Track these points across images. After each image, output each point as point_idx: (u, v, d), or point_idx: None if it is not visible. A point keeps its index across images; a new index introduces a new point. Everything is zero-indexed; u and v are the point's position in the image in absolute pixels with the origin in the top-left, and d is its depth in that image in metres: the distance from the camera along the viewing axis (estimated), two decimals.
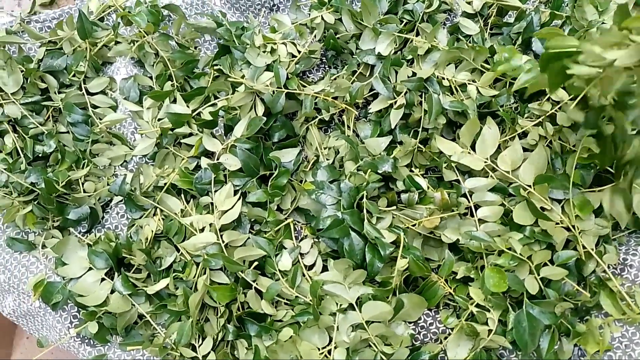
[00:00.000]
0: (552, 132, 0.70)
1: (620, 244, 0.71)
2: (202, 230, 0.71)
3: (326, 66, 0.85)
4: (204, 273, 0.69)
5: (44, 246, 0.77)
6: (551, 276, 0.66)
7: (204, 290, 0.67)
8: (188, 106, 0.79)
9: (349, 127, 0.80)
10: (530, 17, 0.78)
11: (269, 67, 0.76)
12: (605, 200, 0.68)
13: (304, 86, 0.79)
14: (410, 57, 0.76)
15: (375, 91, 0.80)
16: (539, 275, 0.66)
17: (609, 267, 0.68)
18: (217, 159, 0.75)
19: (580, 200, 0.66)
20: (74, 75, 0.83)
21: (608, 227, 0.68)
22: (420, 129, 0.75)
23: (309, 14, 0.84)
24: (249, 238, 0.72)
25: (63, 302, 0.73)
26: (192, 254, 0.71)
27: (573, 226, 0.66)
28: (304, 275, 0.71)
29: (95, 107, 0.82)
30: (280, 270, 0.71)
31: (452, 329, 0.70)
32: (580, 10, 0.78)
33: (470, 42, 0.78)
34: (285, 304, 0.71)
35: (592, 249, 0.66)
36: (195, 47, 0.86)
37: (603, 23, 0.77)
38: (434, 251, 0.74)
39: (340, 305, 0.66)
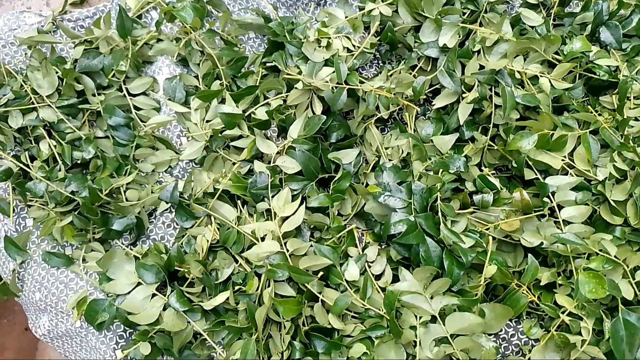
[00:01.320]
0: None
1: None
2: (263, 238, 0.65)
3: (380, 62, 0.80)
4: (268, 285, 0.63)
5: (84, 260, 0.71)
6: None
7: (269, 304, 0.61)
8: (237, 106, 0.74)
9: (410, 125, 0.75)
10: (599, 5, 0.73)
11: (327, 63, 0.71)
12: None
13: (362, 82, 0.74)
14: (476, 48, 0.72)
15: (434, 87, 0.75)
16: (634, 279, 0.61)
17: None
18: (273, 162, 0.70)
19: None
20: (113, 76, 0.77)
21: None
22: (490, 125, 0.70)
23: (358, 8, 0.79)
24: (311, 246, 0.67)
25: (109, 322, 0.67)
26: (252, 264, 0.65)
27: None
28: (373, 285, 0.66)
29: (137, 109, 0.76)
30: (347, 281, 0.65)
31: (535, 340, 0.64)
32: None
33: (544, 34, 0.74)
34: (353, 317, 0.66)
35: None
36: (241, 45, 0.81)
37: None
38: (507, 257, 0.69)
39: (421, 317, 0.61)
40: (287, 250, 0.64)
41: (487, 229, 0.67)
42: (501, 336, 0.66)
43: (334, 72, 0.69)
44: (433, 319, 0.61)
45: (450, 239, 0.63)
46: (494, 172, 0.73)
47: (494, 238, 0.68)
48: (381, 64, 0.80)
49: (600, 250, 0.61)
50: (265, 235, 0.65)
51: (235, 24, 0.80)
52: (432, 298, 0.61)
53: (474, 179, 0.70)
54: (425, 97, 0.77)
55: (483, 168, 0.72)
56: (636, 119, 0.66)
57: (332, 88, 0.70)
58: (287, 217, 0.66)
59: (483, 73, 0.69)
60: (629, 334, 0.59)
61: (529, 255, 0.65)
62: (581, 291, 0.59)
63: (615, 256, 0.60)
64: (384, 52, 0.79)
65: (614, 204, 0.63)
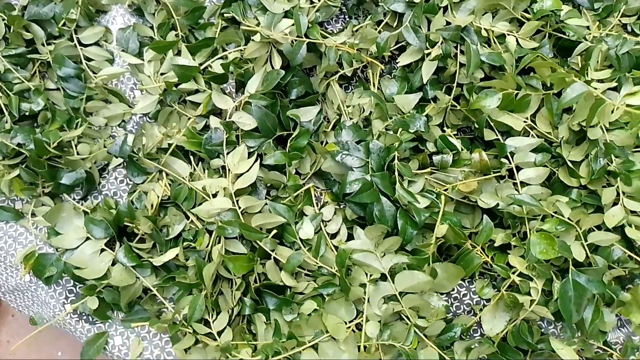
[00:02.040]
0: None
1: None
2: (215, 195, 0.63)
3: (346, 17, 0.77)
4: (219, 242, 0.62)
5: (33, 215, 0.69)
6: (600, 242, 0.61)
7: (219, 261, 0.60)
8: (194, 59, 0.71)
9: (373, 83, 0.72)
10: None
11: (287, 14, 0.68)
12: None
13: (325, 37, 0.71)
14: (444, 4, 0.69)
15: (400, 44, 0.72)
16: (586, 241, 0.61)
17: None
18: (229, 118, 0.68)
19: (627, 162, 0.61)
20: (64, 25, 0.73)
21: None
22: (454, 85, 0.68)
23: None
24: (266, 204, 0.65)
25: (57, 276, 0.65)
26: (204, 221, 0.63)
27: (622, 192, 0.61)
28: (327, 244, 0.65)
29: (89, 60, 0.73)
30: (301, 239, 0.64)
31: (487, 300, 0.64)
32: None
33: None
34: (307, 275, 0.65)
35: None
36: None
37: None
38: (466, 218, 0.68)
39: (371, 275, 0.60)
40: (239, 208, 0.63)
41: (445, 190, 0.66)
42: (453, 295, 0.66)
43: (293, 24, 0.66)
44: (383, 277, 0.60)
45: (405, 199, 0.62)
46: (456, 133, 0.71)
47: (452, 199, 0.67)
48: (347, 19, 0.77)
49: (555, 213, 0.61)
50: (218, 192, 0.64)
51: None
52: (383, 256, 0.61)
53: (435, 140, 0.68)
54: (391, 54, 0.74)
55: (445, 129, 0.70)
56: (600, 81, 0.65)
57: (292, 41, 0.66)
58: (241, 175, 0.64)
59: (448, 29, 0.66)
60: (577, 295, 0.59)
61: (484, 216, 0.64)
62: (532, 252, 0.59)
63: (568, 218, 0.60)
64: (350, 7, 0.76)
65: (571, 166, 0.62)
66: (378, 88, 0.73)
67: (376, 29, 0.71)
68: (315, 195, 0.71)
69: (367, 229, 0.62)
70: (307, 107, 0.71)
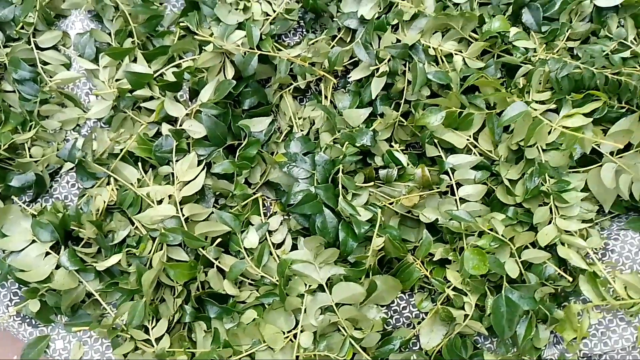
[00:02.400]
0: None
1: (602, 228, 0.68)
2: (160, 202, 0.64)
3: (304, 30, 0.78)
4: (161, 249, 0.63)
5: None
6: (533, 259, 0.62)
7: (159, 268, 0.61)
8: (150, 66, 0.72)
9: (326, 96, 0.74)
10: None
11: (240, 26, 0.69)
12: (592, 181, 0.65)
13: (280, 49, 0.72)
14: (395, 22, 0.71)
15: (356, 59, 0.74)
16: (520, 258, 0.62)
17: (592, 252, 0.65)
18: (180, 125, 0.69)
19: (560, 182, 0.62)
20: (22, 28, 0.74)
21: (593, 210, 0.65)
22: (402, 101, 0.70)
23: None
24: (212, 212, 0.66)
25: (2, 278, 0.66)
26: (148, 228, 0.64)
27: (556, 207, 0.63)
28: (271, 254, 0.66)
29: (45, 63, 0.73)
30: (245, 248, 0.65)
31: (426, 314, 0.66)
32: None
33: (461, 10, 0.73)
34: (250, 284, 0.66)
35: (575, 232, 0.63)
36: (161, 3, 0.78)
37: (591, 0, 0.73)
38: (411, 232, 0.69)
39: (310, 286, 0.61)
40: (183, 215, 0.64)
41: (391, 204, 0.68)
42: (393, 308, 0.67)
43: (246, 35, 0.67)
44: (321, 288, 0.61)
45: (347, 211, 0.63)
46: (405, 148, 0.73)
47: (397, 213, 0.68)
48: (305, 33, 0.78)
49: (491, 230, 0.62)
50: (163, 199, 0.65)
51: None
52: (322, 267, 0.62)
53: (383, 154, 0.70)
54: (346, 69, 0.76)
55: (394, 144, 0.71)
56: (541, 102, 0.67)
57: (244, 53, 0.68)
58: (188, 182, 0.65)
59: (396, 47, 0.68)
60: (509, 310, 0.61)
61: (425, 230, 0.66)
62: (465, 267, 0.60)
63: (502, 235, 0.61)
64: (308, 21, 0.77)
65: (507, 184, 0.64)
66: (331, 101, 0.75)
67: (330, 44, 0.73)
68: (265, 205, 0.72)
69: (305, 239, 0.63)
70: (259, 117, 0.72)
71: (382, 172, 0.69)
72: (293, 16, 0.74)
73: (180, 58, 0.73)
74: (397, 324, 0.67)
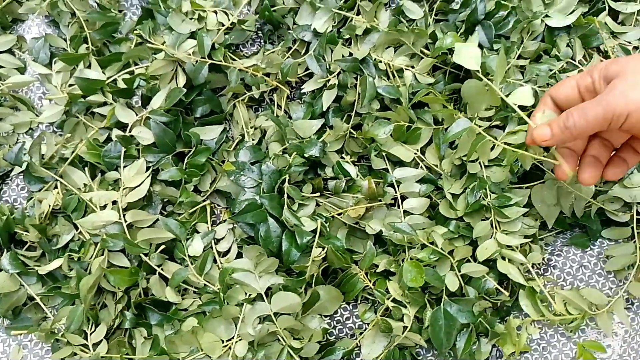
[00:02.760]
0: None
1: (547, 244, 0.69)
2: (103, 207, 0.64)
3: (262, 41, 0.79)
4: (102, 254, 0.63)
5: None
6: (472, 273, 0.63)
7: (99, 273, 0.61)
8: (104, 72, 0.72)
9: (280, 107, 0.75)
10: (474, 4, 0.74)
11: (193, 35, 0.70)
12: (535, 197, 0.66)
13: (234, 59, 0.73)
14: (348, 36, 0.72)
15: (311, 71, 0.75)
16: (459, 271, 0.63)
17: (532, 267, 0.66)
18: (130, 132, 0.69)
19: (501, 197, 0.63)
20: None
21: (535, 226, 0.66)
22: (353, 114, 0.71)
23: None
24: (157, 219, 0.66)
25: None
26: (90, 233, 0.64)
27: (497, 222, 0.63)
28: (215, 262, 0.66)
29: None
30: (190, 256, 0.66)
31: (369, 325, 0.66)
32: (527, 1, 0.76)
33: (412, 26, 0.74)
34: (194, 292, 0.66)
35: (516, 247, 0.64)
36: (120, 11, 0.78)
37: (547, 16, 0.75)
38: (360, 243, 0.70)
39: (249, 295, 0.62)
40: (126, 221, 0.64)
41: (339, 214, 0.68)
42: (336, 318, 0.67)
43: (197, 45, 0.68)
44: (260, 297, 0.61)
45: (291, 221, 0.64)
46: (357, 160, 0.74)
47: (345, 224, 0.69)
48: (263, 44, 0.79)
49: (431, 242, 0.63)
50: (107, 204, 0.65)
51: None
52: (260, 276, 0.62)
53: (332, 166, 0.70)
54: (301, 80, 0.77)
55: (345, 155, 0.72)
56: (488, 119, 0.68)
57: (195, 61, 0.68)
58: (134, 188, 0.66)
59: (346, 61, 0.69)
60: (448, 324, 0.61)
61: (369, 242, 0.66)
62: (404, 279, 0.61)
63: (441, 248, 0.62)
64: (266, 31, 0.78)
65: (449, 198, 0.64)
66: (286, 112, 0.75)
67: (285, 55, 0.74)
68: (215, 213, 0.72)
69: (245, 248, 0.63)
70: (211, 125, 0.72)
71: (330, 183, 0.69)
72: (249, 26, 0.74)
73: (136, 65, 0.74)
74: (340, 335, 0.67)
